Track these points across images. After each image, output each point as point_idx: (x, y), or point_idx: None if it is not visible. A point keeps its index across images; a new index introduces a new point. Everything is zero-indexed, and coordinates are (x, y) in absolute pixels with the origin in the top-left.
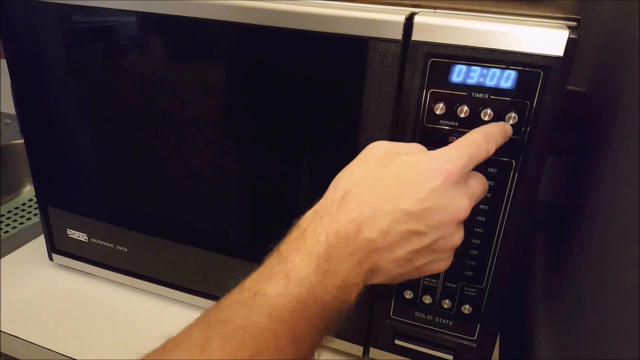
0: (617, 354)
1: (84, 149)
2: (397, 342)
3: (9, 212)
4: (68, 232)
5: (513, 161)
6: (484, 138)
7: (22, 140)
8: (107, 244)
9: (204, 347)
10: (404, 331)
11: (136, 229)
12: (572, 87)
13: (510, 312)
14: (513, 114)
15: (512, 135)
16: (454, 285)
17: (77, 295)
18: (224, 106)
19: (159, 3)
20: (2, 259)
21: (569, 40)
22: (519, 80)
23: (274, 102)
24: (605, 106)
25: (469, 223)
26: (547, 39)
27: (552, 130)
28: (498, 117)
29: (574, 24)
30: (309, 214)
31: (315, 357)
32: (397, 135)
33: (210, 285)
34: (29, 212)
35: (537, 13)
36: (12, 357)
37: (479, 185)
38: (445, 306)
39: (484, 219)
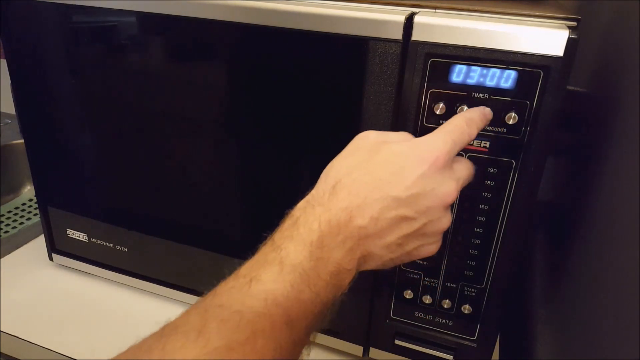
0: (617, 354)
1: (84, 149)
2: (397, 342)
3: (9, 212)
4: (68, 232)
5: (513, 161)
6: (466, 123)
7: (22, 140)
8: (107, 244)
9: (201, 330)
10: (404, 331)
11: (136, 229)
12: (572, 87)
13: (510, 312)
14: (513, 114)
15: (512, 135)
16: (454, 285)
17: (77, 295)
18: (224, 106)
19: (159, 3)
20: (2, 259)
21: (569, 40)
22: (519, 80)
23: (274, 102)
24: (605, 106)
25: (469, 223)
26: (547, 39)
27: (552, 130)
28: (498, 117)
29: (574, 24)
30: (301, 203)
31: (311, 339)
32: None
33: (210, 286)
34: (29, 212)
35: (537, 13)
36: (12, 357)
37: (464, 169)
38: (445, 306)
39: (484, 219)
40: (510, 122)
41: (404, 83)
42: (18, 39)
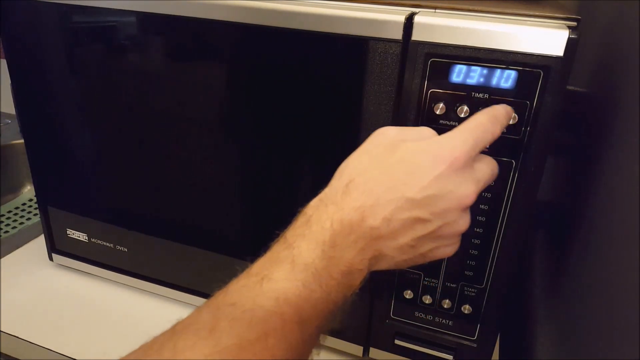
0: (617, 353)
1: (84, 149)
2: (397, 342)
3: (9, 212)
4: (68, 232)
5: (513, 161)
6: (490, 121)
7: (22, 140)
8: (107, 244)
9: (212, 329)
10: (404, 331)
11: (136, 229)
12: (572, 87)
13: (510, 312)
14: (513, 114)
15: (512, 135)
16: (454, 285)
17: (77, 295)
18: (224, 106)
19: (159, 3)
20: (2, 259)
21: (569, 40)
22: (519, 80)
23: (274, 102)
24: (605, 106)
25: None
26: (547, 39)
27: (552, 130)
28: None
29: (574, 24)
30: (314, 201)
31: (320, 342)
32: None
33: (210, 285)
34: (29, 212)
35: (537, 13)
36: (12, 357)
37: (486, 169)
38: (445, 306)
39: (484, 219)
40: (510, 122)
41: (404, 83)
42: (18, 39)
